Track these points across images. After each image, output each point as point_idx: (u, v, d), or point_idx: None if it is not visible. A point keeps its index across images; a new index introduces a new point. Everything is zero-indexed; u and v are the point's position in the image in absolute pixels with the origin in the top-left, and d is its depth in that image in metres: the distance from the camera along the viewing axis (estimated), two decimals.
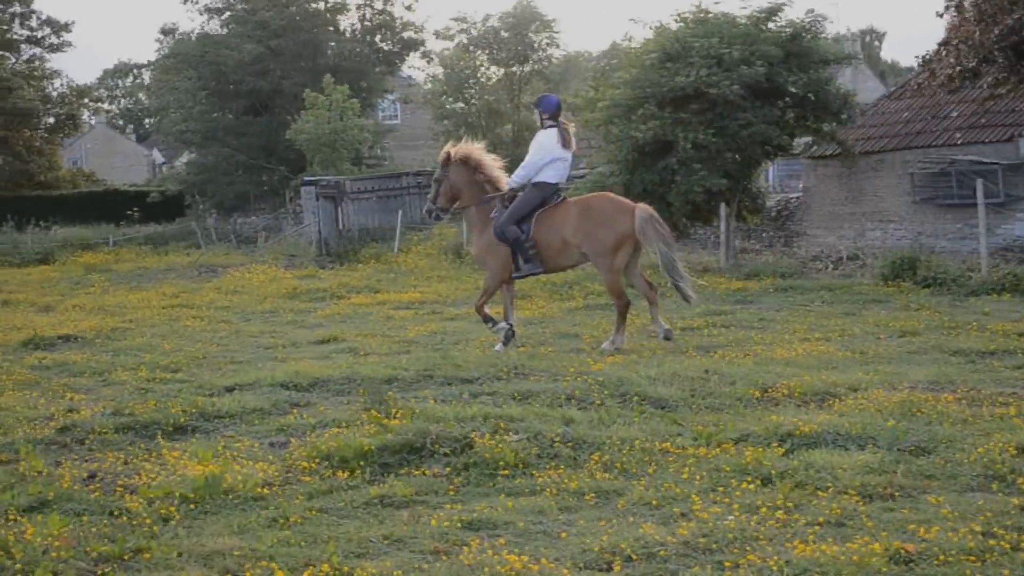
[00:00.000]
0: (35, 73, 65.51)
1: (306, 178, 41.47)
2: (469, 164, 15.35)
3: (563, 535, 7.27)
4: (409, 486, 8.38)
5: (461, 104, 43.50)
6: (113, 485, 8.85)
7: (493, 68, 43.98)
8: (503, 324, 15.28)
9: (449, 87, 43.36)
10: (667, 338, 14.92)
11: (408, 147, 58.48)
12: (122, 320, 20.76)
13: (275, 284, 26.80)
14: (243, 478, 8.61)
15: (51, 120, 66.68)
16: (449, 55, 44.47)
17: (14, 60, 65.36)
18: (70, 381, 14.21)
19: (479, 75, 43.64)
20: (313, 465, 9.08)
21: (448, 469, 8.81)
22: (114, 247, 40.99)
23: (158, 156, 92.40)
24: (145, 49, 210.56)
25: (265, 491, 8.43)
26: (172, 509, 8.07)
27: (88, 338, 18.32)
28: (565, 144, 15.06)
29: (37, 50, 65.73)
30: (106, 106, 74.49)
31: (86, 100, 69.70)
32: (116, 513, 8.07)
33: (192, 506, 8.13)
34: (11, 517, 7.98)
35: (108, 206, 52.58)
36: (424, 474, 8.71)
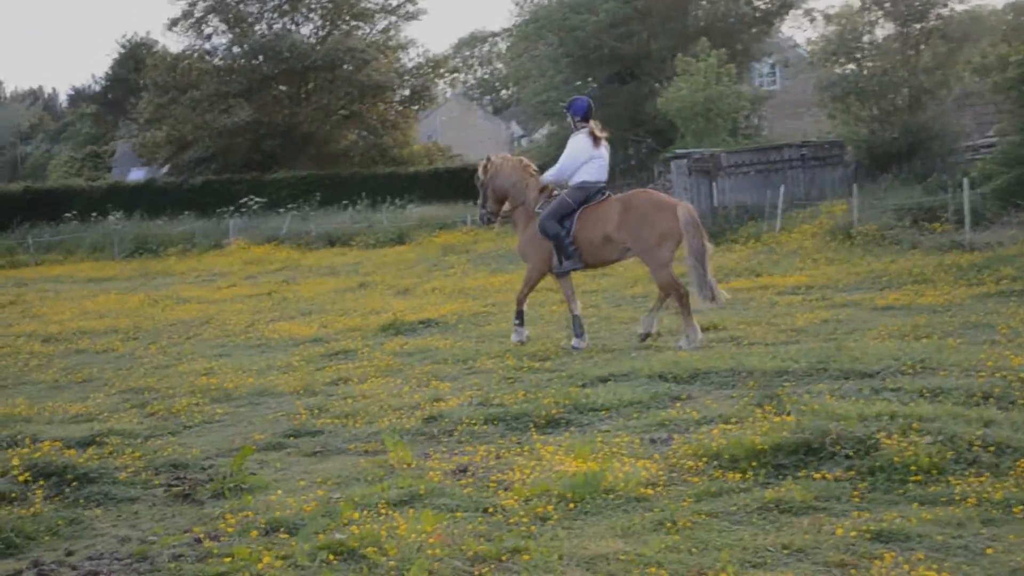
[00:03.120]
0: (389, 43, 67.61)
1: (677, 151, 41.44)
2: (504, 173, 17.28)
3: (988, 551, 7.00)
4: (808, 491, 8.24)
5: (852, 66, 42.26)
6: (485, 480, 9.09)
7: (889, 25, 42.55)
8: (525, 332, 16.64)
9: (838, 48, 42.20)
10: (646, 336, 16.33)
11: (788, 115, 57.71)
12: (484, 304, 21.30)
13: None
14: (624, 477, 8.69)
15: (405, 93, 68.74)
16: (837, 12, 43.39)
17: (368, 30, 67.57)
18: (433, 368, 14.69)
19: (872, 34, 42.34)
20: (700, 464, 9.08)
21: (851, 473, 8.64)
22: (471, 227, 41.94)
23: (516, 129, 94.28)
24: (499, 16, 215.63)
25: (648, 491, 8.47)
26: (549, 508, 8.22)
27: (450, 323, 18.87)
28: (596, 144, 16.69)
29: (392, 18, 67.72)
30: (461, 77, 76.21)
31: (441, 71, 71.61)
32: (490, 510, 8.28)
33: (570, 505, 8.25)
34: (382, 511, 8.30)
35: (464, 183, 53.90)
36: (824, 478, 8.55)
